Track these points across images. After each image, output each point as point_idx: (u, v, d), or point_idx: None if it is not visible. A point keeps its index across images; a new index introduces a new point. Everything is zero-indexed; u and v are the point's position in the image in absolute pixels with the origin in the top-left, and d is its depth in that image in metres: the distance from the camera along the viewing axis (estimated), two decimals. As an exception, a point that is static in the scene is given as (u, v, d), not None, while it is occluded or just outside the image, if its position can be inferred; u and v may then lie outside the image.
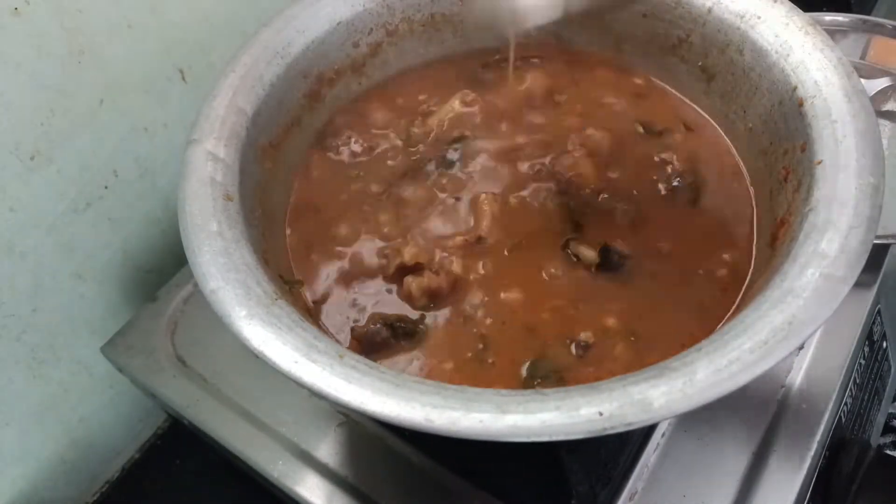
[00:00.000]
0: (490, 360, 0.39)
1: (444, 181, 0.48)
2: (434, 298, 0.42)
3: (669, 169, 0.47)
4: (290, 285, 0.42)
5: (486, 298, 0.42)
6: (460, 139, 0.50)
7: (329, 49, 0.50)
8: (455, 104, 0.52)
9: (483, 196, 0.46)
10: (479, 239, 0.44)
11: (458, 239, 0.44)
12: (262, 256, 0.38)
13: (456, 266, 0.42)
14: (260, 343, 0.33)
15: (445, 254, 0.43)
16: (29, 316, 0.55)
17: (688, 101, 0.51)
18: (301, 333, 0.33)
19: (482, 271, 0.43)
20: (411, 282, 0.42)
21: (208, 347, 0.56)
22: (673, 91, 0.52)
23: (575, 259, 0.43)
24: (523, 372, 0.39)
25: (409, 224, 0.46)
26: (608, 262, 0.42)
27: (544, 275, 0.43)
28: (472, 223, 0.45)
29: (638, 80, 0.53)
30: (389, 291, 0.43)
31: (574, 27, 0.54)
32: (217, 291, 0.34)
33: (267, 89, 0.45)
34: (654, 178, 0.47)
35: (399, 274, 0.43)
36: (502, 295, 0.42)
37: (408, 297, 0.42)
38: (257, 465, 0.50)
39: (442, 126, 0.51)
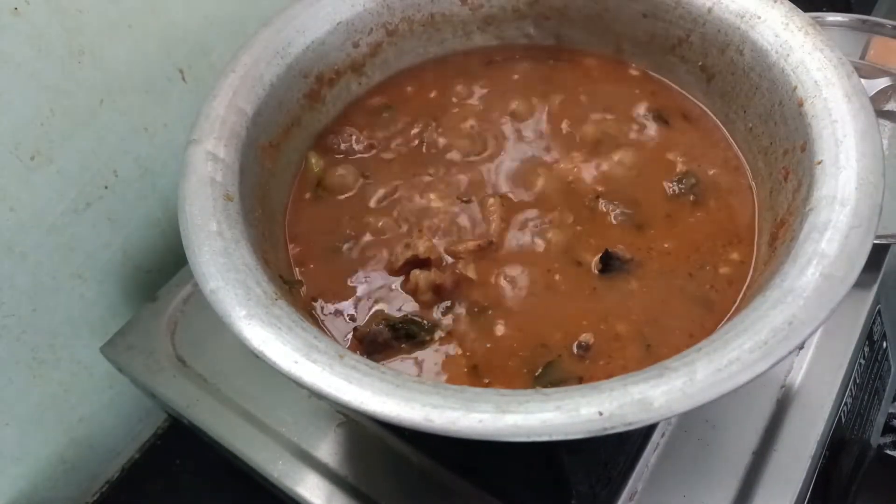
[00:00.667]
0: (487, 379, 0.39)
1: (455, 184, 0.48)
2: (439, 294, 0.42)
3: (672, 169, 0.47)
4: (290, 285, 0.42)
5: (492, 299, 0.42)
6: (473, 144, 0.50)
7: (329, 49, 0.50)
8: (469, 111, 0.52)
9: (491, 200, 0.46)
10: (490, 243, 0.44)
11: (470, 244, 0.44)
12: (262, 256, 0.38)
13: (470, 271, 0.43)
14: (260, 343, 0.33)
15: (454, 259, 0.43)
16: (29, 316, 0.55)
17: (689, 95, 0.51)
18: (301, 333, 0.33)
19: (490, 273, 0.43)
20: (419, 275, 0.42)
21: (208, 347, 0.56)
22: (675, 86, 0.52)
23: (578, 263, 0.43)
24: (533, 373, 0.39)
25: (420, 224, 0.46)
26: (611, 267, 0.42)
27: (549, 278, 0.43)
28: (481, 227, 0.45)
29: (635, 73, 0.53)
30: (392, 288, 0.43)
31: (574, 27, 0.54)
32: (217, 291, 0.34)
33: (267, 89, 0.45)
34: (658, 178, 0.47)
35: (407, 268, 0.43)
36: (508, 296, 0.42)
37: (413, 291, 0.42)
38: (257, 465, 0.50)
39: (454, 132, 0.51)
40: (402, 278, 0.43)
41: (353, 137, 0.51)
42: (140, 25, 0.54)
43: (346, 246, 0.45)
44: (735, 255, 0.43)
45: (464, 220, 0.46)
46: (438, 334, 0.41)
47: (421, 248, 0.43)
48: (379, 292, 0.43)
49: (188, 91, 0.60)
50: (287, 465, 0.50)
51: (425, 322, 0.41)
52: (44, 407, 0.59)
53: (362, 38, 0.52)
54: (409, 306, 0.42)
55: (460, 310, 0.42)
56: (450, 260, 0.43)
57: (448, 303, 0.42)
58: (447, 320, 0.41)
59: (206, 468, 0.62)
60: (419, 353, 0.40)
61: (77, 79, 0.52)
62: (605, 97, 0.52)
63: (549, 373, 0.39)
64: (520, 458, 0.45)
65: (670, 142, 0.49)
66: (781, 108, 0.43)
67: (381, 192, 0.48)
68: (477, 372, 0.39)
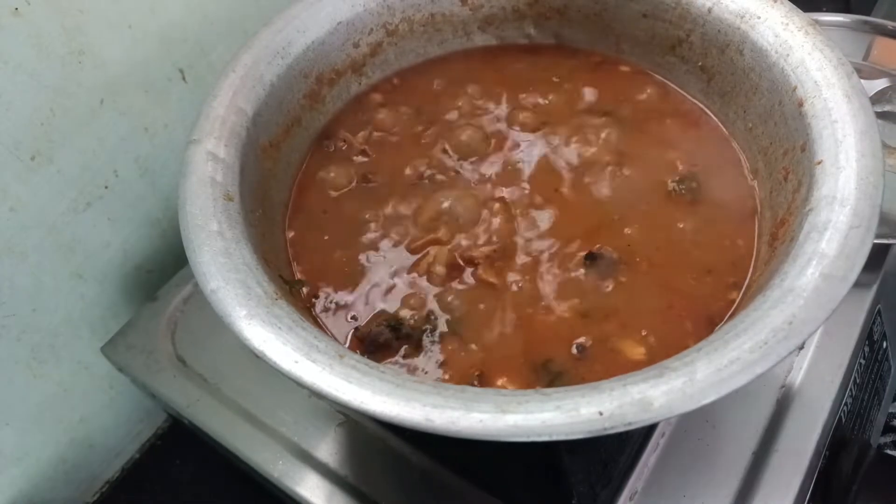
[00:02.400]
0: (489, 372, 0.40)
1: (456, 187, 0.48)
2: (452, 274, 0.42)
3: (672, 170, 0.47)
4: (291, 285, 0.42)
5: (495, 300, 0.42)
6: (474, 146, 0.50)
7: (329, 49, 0.50)
8: (469, 112, 0.52)
9: (497, 205, 0.46)
10: (502, 248, 0.44)
11: (485, 248, 0.44)
12: (263, 256, 0.38)
13: (490, 275, 0.43)
14: (260, 343, 0.33)
15: (472, 266, 0.44)
16: (29, 316, 0.55)
17: (689, 95, 0.51)
18: (301, 333, 0.33)
19: (496, 276, 0.43)
20: (438, 248, 0.43)
21: (208, 347, 0.56)
22: (674, 86, 0.52)
23: (577, 265, 0.43)
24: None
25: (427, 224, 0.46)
26: (601, 268, 0.42)
27: (550, 280, 0.43)
28: (485, 230, 0.45)
29: (635, 73, 0.53)
30: (395, 289, 0.43)
31: (574, 27, 0.54)
32: (217, 291, 0.34)
33: (267, 89, 0.45)
34: (657, 179, 0.47)
35: (424, 247, 0.44)
36: (510, 298, 0.42)
37: (428, 267, 0.43)
38: (257, 465, 0.50)
39: (455, 133, 0.51)
40: (411, 269, 0.43)
41: (353, 138, 0.51)
42: (140, 25, 0.54)
43: (348, 246, 0.45)
44: (738, 253, 0.43)
45: (467, 224, 0.46)
46: (439, 335, 0.41)
47: (442, 230, 0.44)
48: (381, 294, 0.43)
49: (188, 91, 0.60)
50: (287, 465, 0.50)
51: (427, 326, 0.41)
52: (44, 407, 0.59)
53: (362, 38, 0.52)
54: (410, 308, 0.42)
55: (461, 309, 0.42)
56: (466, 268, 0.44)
57: (452, 293, 0.42)
58: (447, 321, 0.41)
59: (206, 468, 0.63)
60: (420, 354, 0.40)
61: (77, 79, 0.52)
62: (604, 97, 0.52)
63: (556, 379, 0.39)
64: (520, 458, 0.45)
65: (670, 142, 0.49)
66: (781, 109, 0.43)
67: (380, 192, 0.48)
68: (480, 372, 0.39)
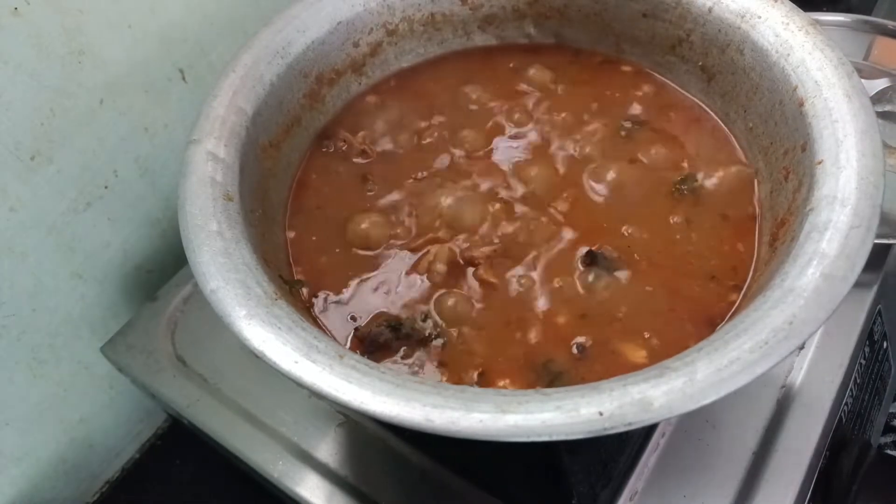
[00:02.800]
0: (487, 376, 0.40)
1: (456, 187, 0.48)
2: (453, 273, 0.42)
3: (672, 169, 0.47)
4: (291, 285, 0.42)
5: (494, 301, 0.42)
6: (473, 145, 0.50)
7: (329, 49, 0.50)
8: (469, 111, 0.52)
9: (498, 206, 0.46)
10: (503, 248, 0.44)
11: (486, 248, 0.44)
12: (262, 256, 0.38)
13: (490, 276, 0.43)
14: (260, 343, 0.33)
15: (473, 266, 0.44)
16: (29, 316, 0.55)
17: (689, 95, 0.51)
18: (301, 333, 0.33)
19: (497, 276, 0.43)
20: (438, 247, 0.43)
21: (208, 347, 0.56)
22: (675, 86, 0.52)
23: (576, 265, 0.43)
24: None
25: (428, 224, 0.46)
26: (601, 266, 0.42)
27: (550, 279, 0.43)
28: (485, 231, 0.45)
29: (635, 72, 0.53)
30: (397, 290, 0.43)
31: (574, 26, 0.54)
32: (217, 291, 0.34)
33: (267, 89, 0.45)
34: (657, 179, 0.47)
35: (424, 246, 0.44)
36: (510, 299, 0.42)
37: (428, 266, 0.43)
38: (257, 465, 0.50)
39: (454, 132, 0.51)
40: (412, 268, 0.43)
41: (353, 138, 0.51)
42: (140, 25, 0.54)
43: (347, 246, 0.45)
44: (737, 253, 0.43)
45: (467, 224, 0.46)
46: (440, 335, 0.41)
47: (442, 229, 0.44)
48: (381, 294, 0.43)
49: (188, 91, 0.60)
50: (287, 465, 0.50)
51: (427, 326, 0.41)
52: (44, 407, 0.59)
53: (362, 37, 0.52)
54: (410, 308, 0.42)
55: (462, 308, 0.42)
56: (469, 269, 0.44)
57: (452, 293, 0.42)
58: (447, 321, 0.41)
59: (206, 468, 0.62)
60: (420, 354, 0.40)
61: (77, 79, 0.52)
62: (605, 96, 0.52)
63: (557, 379, 0.39)
64: (520, 458, 0.45)
65: (670, 142, 0.49)
66: (782, 108, 0.43)
67: (380, 192, 0.48)
68: (480, 372, 0.39)
